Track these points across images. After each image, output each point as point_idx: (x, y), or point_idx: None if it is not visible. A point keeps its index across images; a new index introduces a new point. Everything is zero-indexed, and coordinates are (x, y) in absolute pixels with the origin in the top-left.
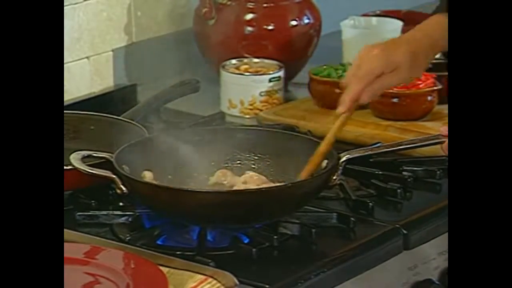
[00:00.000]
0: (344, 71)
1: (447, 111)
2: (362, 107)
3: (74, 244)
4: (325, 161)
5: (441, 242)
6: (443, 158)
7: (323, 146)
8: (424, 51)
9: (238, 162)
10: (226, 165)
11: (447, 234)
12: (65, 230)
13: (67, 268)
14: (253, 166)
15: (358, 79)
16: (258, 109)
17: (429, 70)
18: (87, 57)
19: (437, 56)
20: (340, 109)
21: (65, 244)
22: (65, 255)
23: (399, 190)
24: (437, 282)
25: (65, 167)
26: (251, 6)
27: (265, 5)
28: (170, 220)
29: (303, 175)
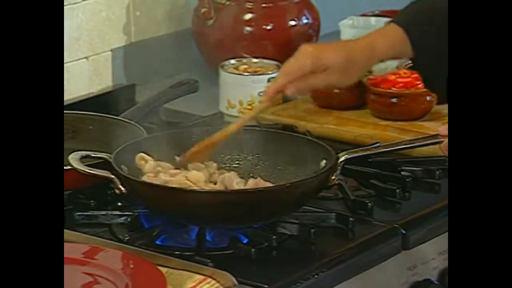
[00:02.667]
0: None
1: (446, 111)
2: (360, 107)
3: (73, 244)
4: (324, 161)
5: (440, 242)
6: (442, 158)
7: (232, 126)
8: (362, 59)
9: (237, 162)
10: (225, 165)
11: (446, 234)
12: (64, 230)
13: (66, 268)
14: (251, 166)
15: (285, 73)
16: None
17: None
18: (86, 57)
19: None
20: (262, 98)
21: (64, 244)
22: (64, 255)
23: (398, 190)
24: (436, 282)
25: (64, 168)
26: (250, 6)
27: (263, 5)
28: (169, 220)
29: (190, 154)
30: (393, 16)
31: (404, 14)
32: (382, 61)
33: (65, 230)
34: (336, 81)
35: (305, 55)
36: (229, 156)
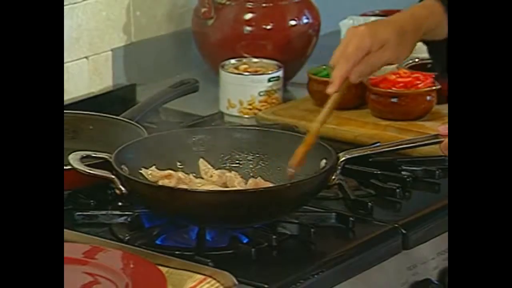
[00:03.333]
0: None
1: (446, 111)
2: (360, 106)
3: (73, 244)
4: (324, 161)
5: (440, 242)
6: (442, 158)
7: (315, 127)
8: (411, 30)
9: (237, 162)
10: (225, 165)
11: (446, 234)
12: (64, 230)
13: (66, 268)
14: (251, 166)
15: (346, 58)
16: (257, 109)
17: (428, 70)
18: (86, 57)
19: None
20: (330, 88)
21: (64, 244)
22: (64, 255)
23: (398, 190)
24: (436, 282)
25: (64, 167)
26: (250, 6)
27: (264, 5)
28: (169, 220)
29: (295, 160)
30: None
31: None
32: (425, 33)
33: (65, 230)
34: (393, 56)
35: (359, 35)
36: (229, 156)
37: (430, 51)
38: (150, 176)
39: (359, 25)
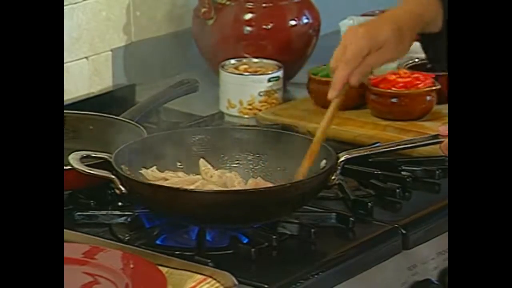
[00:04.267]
0: None
1: (446, 111)
2: (360, 106)
3: (73, 244)
4: (324, 161)
5: (440, 242)
6: (442, 158)
7: (319, 134)
8: (409, 26)
9: (237, 162)
10: (225, 165)
11: (446, 234)
12: (64, 230)
13: (66, 268)
14: (251, 166)
15: (345, 61)
16: (257, 109)
17: (428, 70)
18: (86, 57)
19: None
20: (331, 93)
21: (64, 244)
22: (64, 255)
23: (398, 190)
24: (436, 282)
25: (64, 167)
26: (250, 6)
27: (264, 5)
28: (169, 220)
29: (302, 170)
30: None
31: None
32: (422, 29)
33: (65, 230)
34: (392, 55)
35: (358, 38)
36: (229, 156)
37: (422, 41)
38: (150, 176)
39: (357, 26)
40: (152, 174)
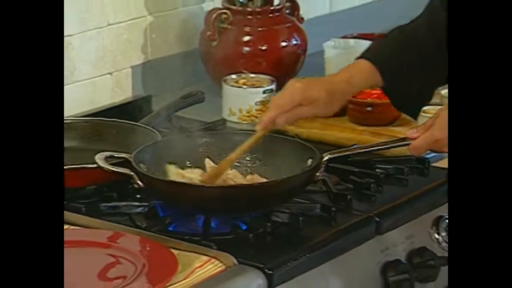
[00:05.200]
0: None
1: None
2: (340, 114)
3: (99, 230)
4: (310, 160)
5: (408, 228)
6: (410, 157)
7: (235, 154)
8: (340, 91)
9: (237, 161)
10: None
11: (413, 221)
12: (90, 218)
13: (93, 251)
14: (249, 164)
15: (276, 106)
16: (254, 116)
17: None
18: (109, 73)
19: None
20: (257, 127)
21: (91, 230)
22: (91, 239)
23: (372, 185)
24: (404, 262)
25: (91, 166)
26: (247, 30)
27: (259, 29)
28: (179, 210)
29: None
30: (372, 38)
31: (372, 50)
32: (359, 88)
33: (91, 219)
34: (320, 111)
35: (294, 90)
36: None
37: (384, 92)
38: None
39: (297, 80)
40: (173, 170)
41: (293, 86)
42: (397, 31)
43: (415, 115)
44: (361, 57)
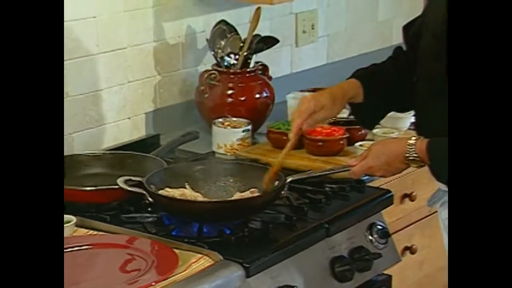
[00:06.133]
0: (289, 125)
1: (353, 150)
2: (299, 147)
3: (119, 235)
4: (277, 182)
5: (349, 232)
6: (351, 179)
7: (279, 160)
8: (339, 98)
9: (223, 182)
10: (215, 184)
11: (353, 226)
12: (113, 226)
13: (115, 251)
14: (232, 185)
15: (299, 114)
16: (235, 149)
17: (341, 124)
18: (128, 118)
19: (346, 116)
20: (290, 134)
21: (113, 235)
22: (113, 242)
23: (323, 200)
24: (346, 257)
25: (114, 187)
26: (231, 85)
27: (239, 85)
28: (180, 219)
29: (266, 181)
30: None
31: (361, 72)
32: (350, 98)
33: (113, 226)
34: (328, 114)
35: (308, 101)
36: (218, 179)
37: (352, 110)
38: (168, 192)
39: (307, 94)
40: (173, 191)
41: (307, 99)
42: (373, 66)
43: (371, 127)
44: (351, 77)
